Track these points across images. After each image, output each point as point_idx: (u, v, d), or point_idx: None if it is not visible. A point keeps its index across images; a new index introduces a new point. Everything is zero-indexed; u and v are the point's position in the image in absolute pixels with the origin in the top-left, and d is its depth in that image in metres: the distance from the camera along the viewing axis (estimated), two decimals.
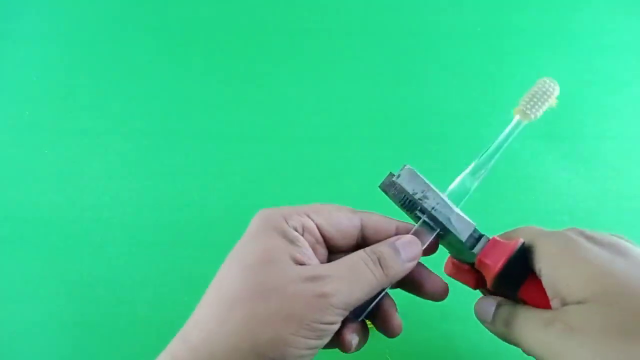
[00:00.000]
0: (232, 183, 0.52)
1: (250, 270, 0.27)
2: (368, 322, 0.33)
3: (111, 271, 0.48)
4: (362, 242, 0.31)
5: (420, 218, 0.32)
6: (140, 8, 0.61)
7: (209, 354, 0.26)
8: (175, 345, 0.28)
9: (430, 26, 0.60)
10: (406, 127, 0.55)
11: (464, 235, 0.31)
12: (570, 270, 0.27)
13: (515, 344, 0.29)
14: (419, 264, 0.32)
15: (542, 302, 0.29)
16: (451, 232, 0.31)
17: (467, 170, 0.33)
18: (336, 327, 0.28)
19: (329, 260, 0.31)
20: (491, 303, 0.31)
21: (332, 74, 0.57)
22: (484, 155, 0.33)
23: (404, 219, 0.33)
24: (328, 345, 0.29)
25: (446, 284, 0.32)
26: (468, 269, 0.33)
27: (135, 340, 0.46)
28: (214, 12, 0.61)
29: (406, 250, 0.30)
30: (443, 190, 0.33)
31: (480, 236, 0.31)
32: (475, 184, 0.33)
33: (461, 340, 0.44)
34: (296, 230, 0.29)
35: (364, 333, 0.32)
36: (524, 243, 0.30)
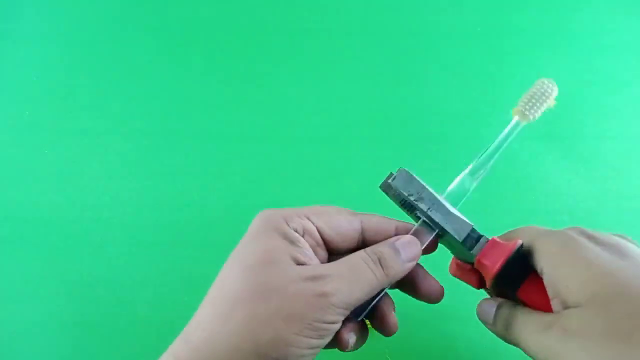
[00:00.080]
0: (232, 183, 0.52)
1: (251, 270, 0.28)
2: (367, 322, 0.33)
3: (111, 271, 0.48)
4: (363, 244, 0.32)
5: (420, 218, 0.32)
6: (140, 8, 0.61)
7: (210, 354, 0.26)
8: (177, 345, 0.28)
9: (430, 26, 0.60)
10: (406, 127, 0.55)
11: (460, 236, 0.31)
12: (570, 270, 0.27)
13: (516, 345, 0.29)
14: (417, 265, 0.32)
15: (541, 302, 0.29)
16: (449, 232, 0.31)
17: (466, 171, 0.33)
18: (337, 326, 0.28)
19: (329, 262, 0.31)
20: (492, 304, 0.32)
21: (332, 74, 0.57)
22: (483, 156, 0.34)
23: (405, 218, 0.33)
24: (326, 345, 0.29)
25: (442, 287, 0.33)
26: (470, 269, 0.33)
27: (135, 340, 0.46)
28: (214, 12, 0.61)
29: (406, 250, 0.30)
30: (442, 190, 0.33)
31: (480, 237, 0.31)
32: (474, 184, 0.33)
33: (461, 340, 0.44)
34: (296, 232, 0.29)
35: (363, 333, 0.32)
36: (522, 244, 0.30)
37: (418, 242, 0.31)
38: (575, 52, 0.59)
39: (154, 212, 0.51)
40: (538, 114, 0.33)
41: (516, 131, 0.34)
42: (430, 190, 0.32)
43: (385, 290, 0.31)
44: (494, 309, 0.31)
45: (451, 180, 0.33)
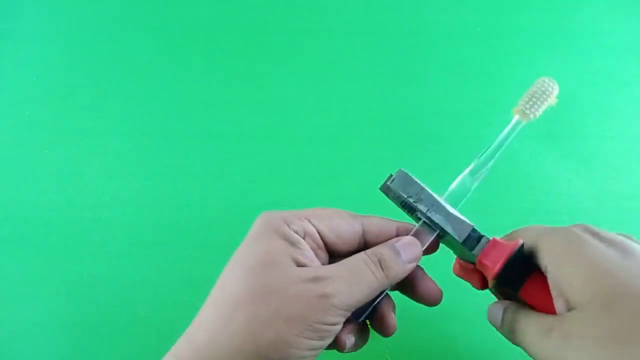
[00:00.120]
0: (232, 183, 0.52)
1: (252, 272, 0.28)
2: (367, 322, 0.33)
3: (111, 271, 0.48)
4: (364, 246, 0.32)
5: (420, 219, 0.32)
6: (140, 8, 0.61)
7: (212, 355, 0.26)
8: (179, 345, 0.28)
9: (430, 26, 0.60)
10: (406, 127, 0.55)
11: (460, 237, 0.31)
12: (574, 268, 0.27)
13: (520, 346, 0.29)
14: (417, 267, 0.32)
15: (543, 302, 0.29)
16: (449, 233, 0.31)
17: (467, 171, 0.33)
18: (338, 327, 0.28)
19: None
20: (499, 308, 0.32)
21: (332, 74, 0.57)
22: (483, 156, 0.34)
23: (406, 219, 0.33)
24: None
25: (440, 290, 0.33)
26: (473, 269, 0.33)
27: (135, 340, 0.46)
28: (214, 12, 0.61)
29: (406, 252, 0.30)
30: (442, 190, 0.33)
31: (480, 237, 0.31)
32: (475, 184, 0.33)
33: (461, 341, 0.44)
34: (297, 234, 0.29)
35: (362, 334, 0.32)
36: (523, 244, 0.30)
37: (418, 243, 0.31)
38: (575, 52, 0.59)
39: (154, 212, 0.51)
40: (539, 113, 0.33)
41: (516, 130, 0.34)
42: (430, 191, 0.32)
43: (386, 292, 0.31)
44: (501, 312, 0.31)
45: (451, 180, 0.33)
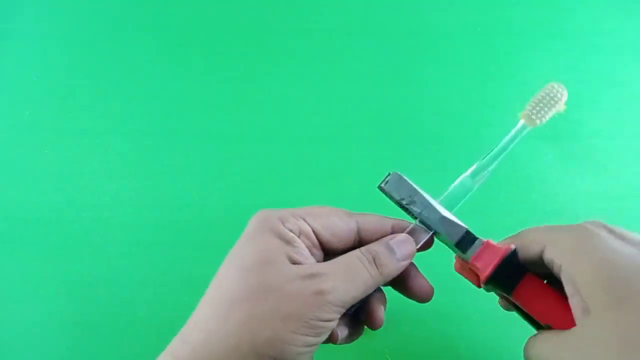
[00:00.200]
0: (232, 183, 0.52)
1: (248, 271, 0.28)
2: None
3: (111, 271, 0.48)
4: (359, 244, 0.32)
5: (416, 218, 0.32)
6: (140, 8, 0.61)
7: (208, 354, 0.26)
8: (175, 345, 0.28)
9: (430, 26, 0.60)
10: (406, 127, 0.55)
11: (452, 240, 0.31)
12: (590, 266, 0.27)
13: None
14: (410, 264, 0.32)
15: (536, 305, 0.29)
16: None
17: (468, 173, 0.33)
18: (334, 324, 0.28)
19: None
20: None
21: (332, 74, 0.57)
22: (486, 158, 0.33)
23: (404, 216, 0.33)
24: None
25: (432, 287, 0.33)
26: (470, 267, 0.33)
27: (135, 340, 0.46)
28: (214, 12, 0.61)
29: (400, 249, 0.31)
30: (442, 191, 0.33)
31: (474, 239, 0.31)
32: (475, 186, 0.33)
33: (461, 341, 0.44)
34: (292, 232, 0.29)
35: (355, 326, 0.32)
36: (515, 249, 0.30)
37: (412, 241, 0.31)
38: (575, 52, 0.59)
39: (154, 212, 0.51)
40: (545, 119, 0.33)
41: (521, 135, 0.34)
42: (423, 194, 0.32)
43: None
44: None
45: (451, 181, 0.34)
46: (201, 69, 0.58)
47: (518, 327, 0.32)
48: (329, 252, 0.31)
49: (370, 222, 0.32)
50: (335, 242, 0.31)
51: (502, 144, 0.34)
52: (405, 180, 0.32)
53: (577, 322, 0.27)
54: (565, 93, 0.33)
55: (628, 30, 0.60)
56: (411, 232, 0.32)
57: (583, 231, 0.28)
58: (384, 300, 0.33)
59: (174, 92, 0.57)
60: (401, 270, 0.31)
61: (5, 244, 0.50)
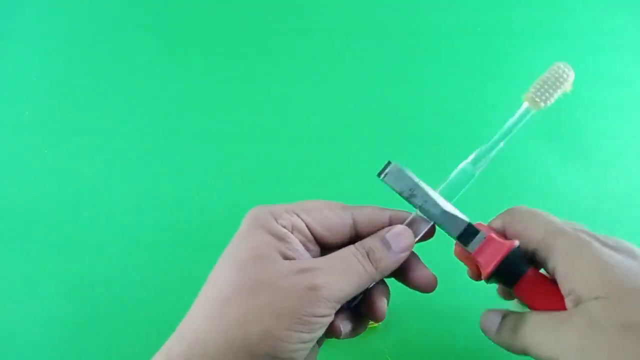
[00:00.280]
0: (232, 183, 0.52)
1: (241, 268, 0.28)
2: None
3: (111, 271, 0.48)
4: (357, 237, 0.31)
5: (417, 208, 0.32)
6: (140, 8, 0.61)
7: (203, 351, 0.26)
8: (171, 342, 0.28)
9: (430, 26, 0.60)
10: (406, 127, 0.55)
11: (455, 233, 0.31)
12: (586, 268, 0.27)
13: (523, 350, 0.29)
14: (412, 253, 0.32)
15: (540, 299, 0.29)
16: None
17: (469, 159, 0.32)
18: (329, 319, 0.28)
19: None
20: (497, 314, 0.31)
21: (332, 74, 0.57)
22: (488, 144, 0.32)
23: (404, 206, 0.33)
24: (324, 333, 0.29)
25: (434, 276, 0.32)
26: (468, 255, 0.33)
27: (135, 340, 0.46)
28: (214, 12, 0.61)
29: (397, 242, 0.30)
30: (443, 179, 0.32)
31: (476, 232, 0.31)
32: (477, 173, 0.32)
33: (461, 341, 0.44)
34: (285, 228, 0.29)
35: (359, 320, 0.32)
36: (518, 246, 0.30)
37: (410, 232, 0.31)
38: (575, 52, 0.59)
39: (154, 212, 0.51)
40: (550, 101, 0.31)
41: (525, 119, 0.32)
42: (423, 186, 0.31)
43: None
44: (499, 318, 0.31)
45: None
46: (201, 69, 0.58)
47: None
48: (325, 247, 0.31)
49: (367, 214, 0.31)
50: (330, 236, 0.31)
51: (504, 128, 0.32)
52: (405, 172, 0.31)
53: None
54: (572, 73, 0.31)
55: (628, 30, 0.60)
56: (411, 223, 0.31)
57: (578, 240, 0.29)
58: (386, 293, 0.32)
59: (174, 92, 0.57)
60: (399, 263, 0.30)
61: (6, 244, 0.50)
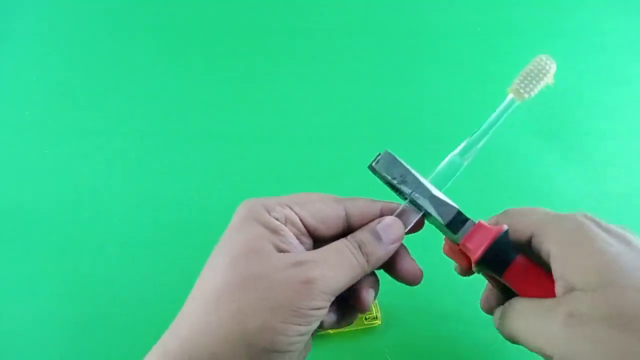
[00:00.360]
0: (232, 183, 0.52)
1: (235, 262, 0.28)
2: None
3: (111, 271, 0.48)
4: (349, 229, 0.31)
5: (406, 198, 0.32)
6: (140, 8, 0.61)
7: (198, 346, 0.26)
8: (165, 338, 0.28)
9: (430, 26, 0.60)
10: (406, 127, 0.55)
11: (445, 219, 0.31)
12: (580, 253, 0.27)
13: (512, 338, 0.29)
14: (401, 245, 0.32)
15: (528, 285, 0.29)
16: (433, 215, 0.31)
17: (456, 151, 0.33)
18: (324, 311, 0.28)
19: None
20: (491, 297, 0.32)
21: (332, 74, 0.57)
22: (474, 135, 0.33)
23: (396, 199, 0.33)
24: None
25: (421, 270, 0.32)
26: (459, 249, 0.33)
27: (135, 340, 0.46)
28: (214, 12, 0.61)
29: (387, 233, 0.30)
30: (431, 170, 0.32)
31: (466, 220, 0.31)
32: (465, 164, 0.33)
33: (461, 341, 0.44)
34: (278, 221, 0.29)
35: (344, 311, 0.32)
36: (507, 230, 0.30)
37: (400, 224, 0.31)
38: (575, 52, 0.59)
39: (154, 212, 0.51)
40: (534, 92, 0.32)
41: (510, 110, 0.33)
42: (415, 173, 0.31)
43: None
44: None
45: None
46: (201, 69, 0.58)
47: None
48: (318, 240, 0.31)
49: (359, 206, 0.31)
50: (323, 229, 0.31)
51: (490, 120, 0.33)
52: (397, 159, 0.31)
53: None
54: (554, 65, 0.32)
55: (628, 29, 0.60)
56: (401, 214, 0.31)
57: (573, 221, 0.28)
58: (374, 284, 0.32)
59: (174, 92, 0.57)
60: (390, 254, 0.30)
61: (6, 244, 0.50)
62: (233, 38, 0.59)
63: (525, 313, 0.28)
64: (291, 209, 0.30)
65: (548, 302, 0.27)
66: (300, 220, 0.30)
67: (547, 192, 0.52)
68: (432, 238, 0.33)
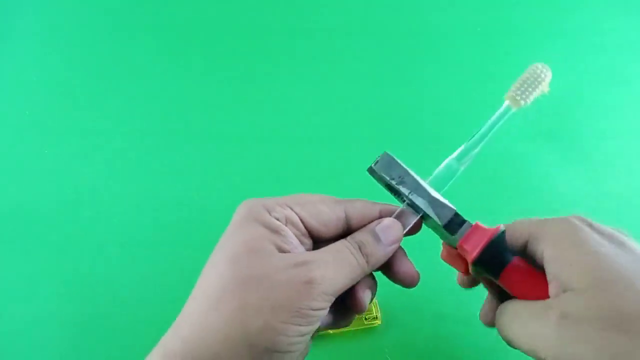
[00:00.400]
0: (232, 183, 0.52)
1: (236, 261, 0.28)
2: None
3: (111, 271, 0.48)
4: (348, 230, 0.32)
5: (404, 201, 0.32)
6: (140, 8, 0.61)
7: (200, 346, 0.26)
8: (168, 337, 0.28)
9: (430, 26, 0.60)
10: (406, 127, 0.55)
11: (442, 220, 0.31)
12: (573, 254, 0.27)
13: (506, 341, 0.29)
14: (398, 247, 0.32)
15: (523, 288, 0.29)
16: (431, 216, 0.31)
17: (454, 155, 0.33)
18: (324, 312, 0.28)
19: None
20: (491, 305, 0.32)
21: (332, 74, 0.57)
22: (471, 141, 0.33)
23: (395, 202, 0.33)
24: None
25: (417, 272, 0.32)
26: (457, 254, 0.33)
27: (135, 340, 0.46)
28: (214, 12, 0.61)
29: (386, 234, 0.30)
30: (428, 174, 0.33)
31: (463, 222, 0.31)
32: (461, 168, 0.33)
33: (461, 341, 0.44)
34: (279, 221, 0.29)
35: (342, 312, 0.32)
36: (504, 230, 0.30)
37: (399, 225, 0.31)
38: (575, 52, 0.59)
39: (154, 212, 0.51)
40: (530, 100, 0.33)
41: (506, 116, 0.33)
42: (413, 174, 0.32)
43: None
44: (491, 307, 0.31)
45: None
46: (201, 69, 0.58)
47: None
48: (317, 240, 0.31)
49: (358, 208, 0.32)
50: (323, 230, 0.31)
51: (486, 126, 0.33)
52: (396, 160, 0.32)
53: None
54: (550, 73, 0.33)
55: (628, 29, 0.60)
56: (399, 216, 0.32)
57: (568, 224, 0.29)
58: (371, 285, 0.32)
59: (174, 92, 0.57)
60: (389, 255, 0.31)
61: (6, 243, 0.50)
62: (233, 38, 0.59)
63: (518, 315, 0.28)
64: (291, 209, 0.30)
65: (541, 303, 0.27)
66: (301, 220, 0.30)
67: (547, 192, 0.52)
68: (431, 240, 0.34)
